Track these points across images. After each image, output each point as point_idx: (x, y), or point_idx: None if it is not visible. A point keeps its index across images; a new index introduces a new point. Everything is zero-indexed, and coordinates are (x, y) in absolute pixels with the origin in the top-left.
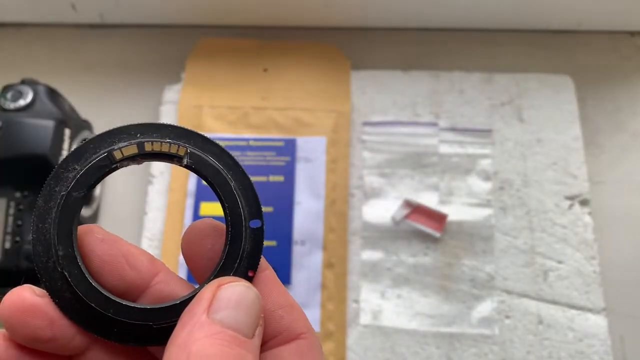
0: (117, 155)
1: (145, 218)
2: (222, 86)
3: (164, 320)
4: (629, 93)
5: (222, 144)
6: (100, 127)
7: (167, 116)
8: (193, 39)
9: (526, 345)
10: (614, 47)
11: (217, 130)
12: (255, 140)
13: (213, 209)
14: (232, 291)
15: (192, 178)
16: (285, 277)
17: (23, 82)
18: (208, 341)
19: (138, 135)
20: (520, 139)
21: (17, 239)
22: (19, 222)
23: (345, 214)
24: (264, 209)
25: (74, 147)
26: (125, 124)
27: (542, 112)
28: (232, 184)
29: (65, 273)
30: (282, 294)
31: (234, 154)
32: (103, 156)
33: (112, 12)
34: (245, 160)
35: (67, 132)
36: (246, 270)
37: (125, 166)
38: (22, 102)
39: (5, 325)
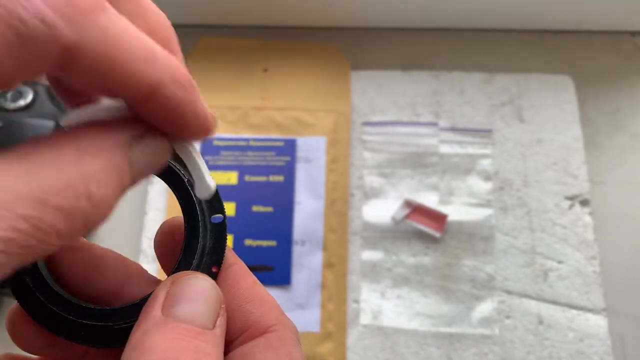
0: None
1: (145, 218)
2: (222, 86)
3: (123, 320)
4: (629, 93)
5: (222, 144)
6: None
7: None
8: (193, 39)
9: (526, 345)
10: (614, 47)
11: (217, 130)
12: (255, 140)
13: None
14: (185, 285)
15: None
16: (285, 277)
17: (23, 82)
18: (163, 336)
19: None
20: (520, 139)
21: None
22: None
23: (345, 214)
24: (264, 209)
25: None
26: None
27: (542, 112)
28: (185, 179)
29: (27, 279)
30: (249, 287)
31: (234, 154)
32: None
33: None
34: (245, 160)
35: None
36: (210, 266)
37: None
38: (22, 102)
39: (10, 337)
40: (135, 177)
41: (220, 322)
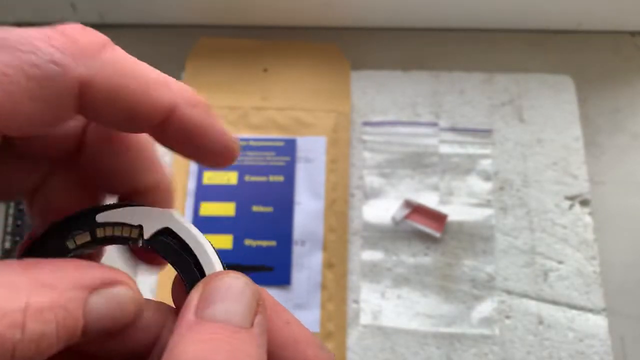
0: (70, 245)
1: None
2: (222, 86)
3: None
4: (629, 93)
5: None
6: None
7: None
8: (193, 39)
9: (526, 345)
10: (614, 47)
11: None
12: (255, 140)
13: (213, 209)
14: (219, 285)
15: (192, 178)
16: (285, 277)
17: None
18: (196, 338)
19: (93, 219)
20: (520, 139)
21: (17, 239)
22: (19, 222)
23: (345, 214)
24: (264, 209)
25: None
26: (88, 208)
27: (543, 112)
28: (192, 262)
29: None
30: (281, 329)
31: None
32: (57, 248)
33: (112, 12)
34: (245, 160)
35: None
36: None
37: (81, 254)
38: None
39: None
40: (89, 326)
41: (259, 321)
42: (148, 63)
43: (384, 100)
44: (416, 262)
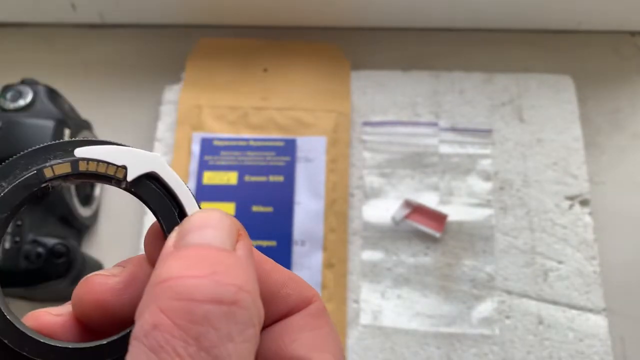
0: (48, 173)
1: (145, 218)
2: (222, 86)
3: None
4: (629, 93)
5: (222, 144)
6: (100, 127)
7: (167, 116)
8: (193, 39)
9: (526, 345)
10: (614, 47)
11: (217, 130)
12: (255, 140)
13: None
14: (195, 217)
15: (192, 178)
16: None
17: (23, 82)
18: (177, 260)
19: (72, 152)
20: (520, 139)
21: (17, 239)
22: (19, 222)
23: (345, 214)
24: (265, 209)
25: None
26: (65, 140)
27: (543, 112)
28: (175, 212)
29: None
30: (276, 270)
31: (234, 154)
32: (32, 174)
33: (112, 12)
34: (245, 160)
35: (67, 132)
36: None
37: (56, 186)
38: (22, 102)
39: None
40: None
41: (242, 246)
42: (148, 63)
43: (384, 100)
44: (416, 262)
